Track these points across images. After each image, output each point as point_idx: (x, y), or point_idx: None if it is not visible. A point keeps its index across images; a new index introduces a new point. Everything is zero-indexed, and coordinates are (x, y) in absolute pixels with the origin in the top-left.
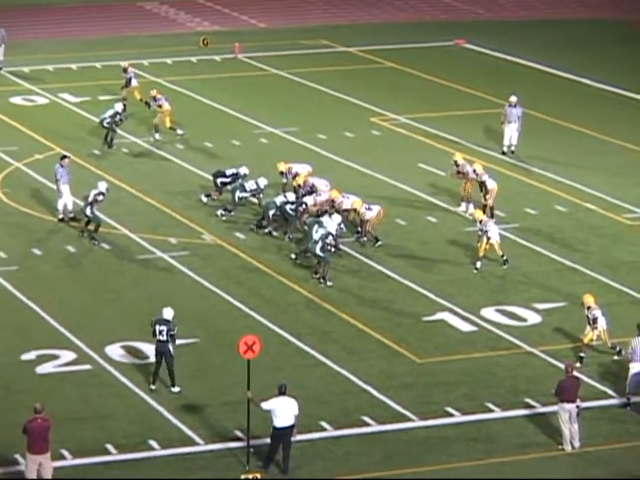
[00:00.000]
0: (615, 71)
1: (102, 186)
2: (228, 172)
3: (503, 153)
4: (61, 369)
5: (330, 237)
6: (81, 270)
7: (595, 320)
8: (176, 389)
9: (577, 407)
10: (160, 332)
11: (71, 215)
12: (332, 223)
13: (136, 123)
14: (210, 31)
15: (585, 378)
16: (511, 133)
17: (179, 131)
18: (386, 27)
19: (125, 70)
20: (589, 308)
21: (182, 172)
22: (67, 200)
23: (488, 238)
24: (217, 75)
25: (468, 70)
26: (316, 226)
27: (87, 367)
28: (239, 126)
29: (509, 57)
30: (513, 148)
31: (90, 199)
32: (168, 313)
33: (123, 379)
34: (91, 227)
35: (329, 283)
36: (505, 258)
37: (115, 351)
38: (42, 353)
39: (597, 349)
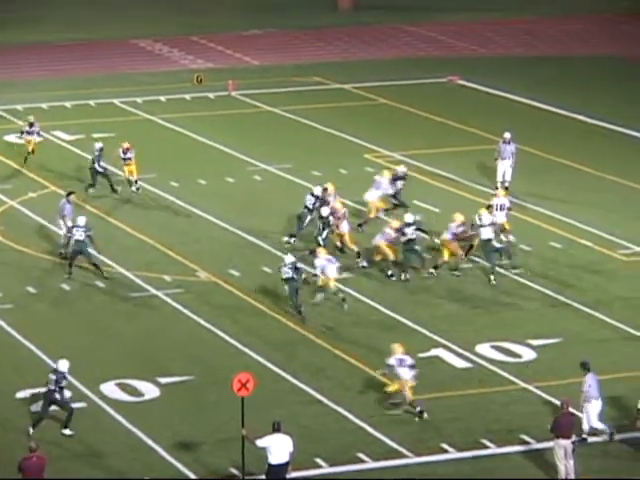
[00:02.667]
0: (611, 107)
1: (81, 220)
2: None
3: (496, 189)
4: (56, 407)
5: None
6: (76, 308)
7: None
8: (67, 431)
9: (573, 443)
10: (52, 381)
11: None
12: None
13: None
14: (204, 68)
15: (581, 415)
16: (504, 169)
17: (133, 188)
18: (379, 64)
19: (32, 124)
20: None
21: (176, 209)
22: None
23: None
24: (211, 112)
25: (462, 106)
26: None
27: (82, 405)
28: (233, 163)
29: (503, 93)
30: (507, 184)
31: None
32: (63, 365)
33: (118, 417)
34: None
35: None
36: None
37: (110, 389)
38: (37, 391)
39: None
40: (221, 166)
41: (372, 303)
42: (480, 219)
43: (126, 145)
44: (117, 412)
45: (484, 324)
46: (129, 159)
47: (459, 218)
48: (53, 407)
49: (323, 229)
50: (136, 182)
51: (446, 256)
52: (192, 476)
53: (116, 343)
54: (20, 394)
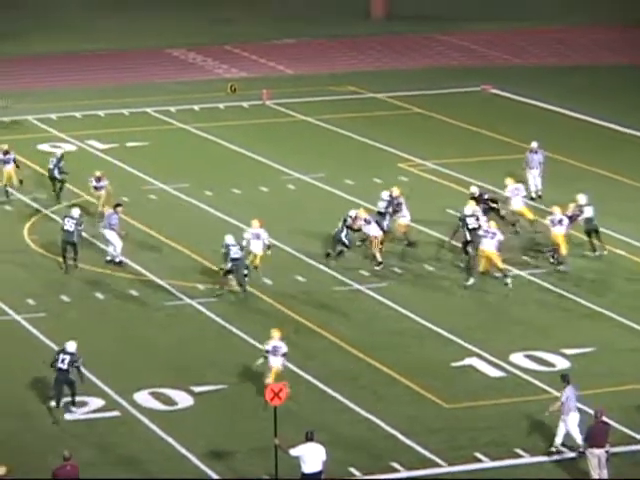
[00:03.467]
0: None
1: (75, 212)
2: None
3: (531, 198)
4: (90, 416)
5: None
6: (109, 316)
7: None
8: (68, 416)
9: (606, 452)
10: (62, 361)
11: (117, 259)
12: None
13: (166, 170)
14: (238, 78)
15: (614, 424)
16: (533, 179)
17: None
18: (412, 73)
19: (6, 152)
20: None
21: (209, 218)
22: (117, 244)
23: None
24: (245, 121)
25: (495, 115)
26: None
27: (115, 414)
28: (266, 172)
29: (536, 102)
30: (539, 193)
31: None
32: (71, 346)
33: (152, 425)
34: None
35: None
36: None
37: (144, 398)
38: (71, 400)
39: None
40: (255, 175)
41: (406, 312)
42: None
43: (98, 173)
44: (151, 421)
45: (518, 333)
46: (101, 188)
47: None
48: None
49: (342, 230)
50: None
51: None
52: None
53: (150, 352)
54: (53, 402)
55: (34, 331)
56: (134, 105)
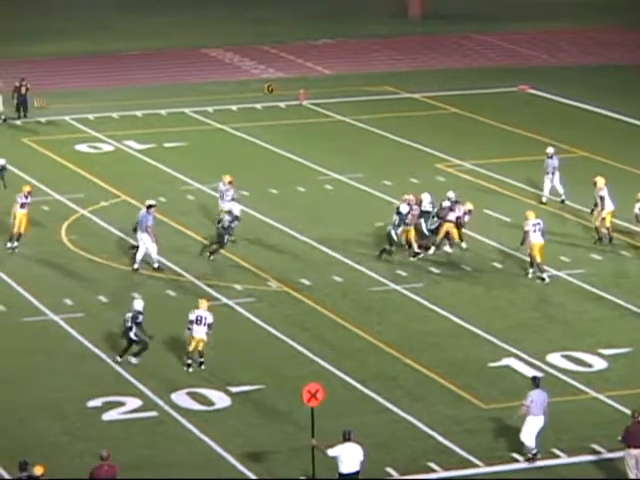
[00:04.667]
0: None
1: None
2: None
3: (542, 203)
4: (127, 416)
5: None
6: (147, 317)
7: None
8: (119, 359)
9: None
10: (127, 319)
11: (155, 265)
12: None
13: (204, 170)
14: (275, 78)
15: None
16: (550, 184)
17: (9, 244)
18: (450, 73)
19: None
20: None
21: (247, 218)
22: (151, 248)
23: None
24: (282, 122)
25: (532, 115)
26: None
27: (153, 414)
28: (304, 173)
29: (574, 102)
30: (563, 197)
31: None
32: (139, 304)
33: (189, 425)
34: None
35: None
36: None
37: (181, 397)
38: (108, 400)
39: None
40: (292, 175)
41: (443, 312)
42: None
43: (28, 188)
44: (188, 421)
45: (555, 333)
46: (27, 205)
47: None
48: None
49: (399, 225)
50: (18, 238)
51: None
52: None
53: (185, 351)
54: (91, 403)
55: (71, 331)
56: (171, 105)
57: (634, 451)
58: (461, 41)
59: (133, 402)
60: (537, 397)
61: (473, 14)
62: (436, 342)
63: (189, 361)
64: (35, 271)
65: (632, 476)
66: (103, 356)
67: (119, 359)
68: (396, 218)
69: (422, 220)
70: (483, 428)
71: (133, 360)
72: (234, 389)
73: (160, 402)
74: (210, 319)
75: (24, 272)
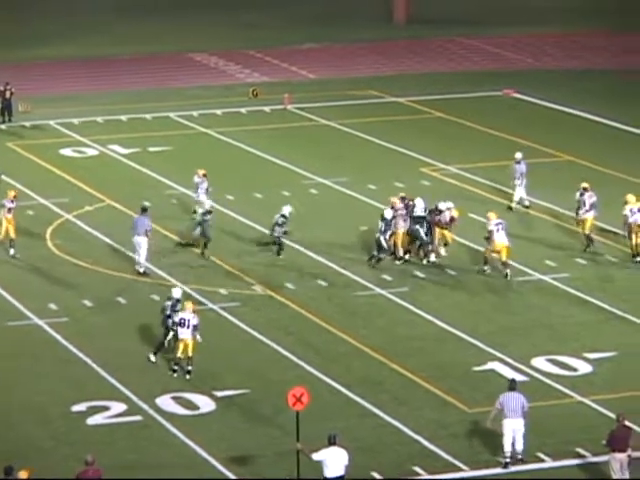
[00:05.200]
0: None
1: (286, 210)
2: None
3: (509, 208)
4: (112, 420)
5: None
6: (131, 322)
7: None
8: (152, 358)
9: (628, 457)
10: (166, 307)
11: (141, 270)
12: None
13: (188, 175)
14: (260, 82)
15: (637, 428)
16: (520, 190)
17: (12, 251)
18: (434, 77)
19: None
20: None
21: (232, 223)
22: (143, 251)
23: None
24: (267, 126)
25: (517, 120)
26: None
27: (138, 418)
28: (289, 177)
29: (558, 107)
30: (527, 203)
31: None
32: (177, 292)
33: (174, 430)
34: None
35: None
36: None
37: (165, 402)
38: (93, 404)
39: None
40: (277, 180)
41: (428, 316)
42: None
43: (14, 193)
44: (173, 425)
45: (540, 337)
46: (13, 209)
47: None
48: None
49: (385, 231)
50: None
51: None
52: None
53: (172, 356)
54: (76, 407)
55: (56, 335)
56: (156, 110)
57: (619, 455)
58: (446, 45)
59: (118, 406)
60: (509, 400)
61: (458, 18)
62: (421, 346)
63: (175, 366)
64: (20, 275)
65: None
66: (88, 360)
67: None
68: (381, 224)
69: (418, 226)
70: (468, 432)
71: (151, 357)
72: (219, 393)
73: (145, 406)
74: (195, 321)
75: (8, 276)
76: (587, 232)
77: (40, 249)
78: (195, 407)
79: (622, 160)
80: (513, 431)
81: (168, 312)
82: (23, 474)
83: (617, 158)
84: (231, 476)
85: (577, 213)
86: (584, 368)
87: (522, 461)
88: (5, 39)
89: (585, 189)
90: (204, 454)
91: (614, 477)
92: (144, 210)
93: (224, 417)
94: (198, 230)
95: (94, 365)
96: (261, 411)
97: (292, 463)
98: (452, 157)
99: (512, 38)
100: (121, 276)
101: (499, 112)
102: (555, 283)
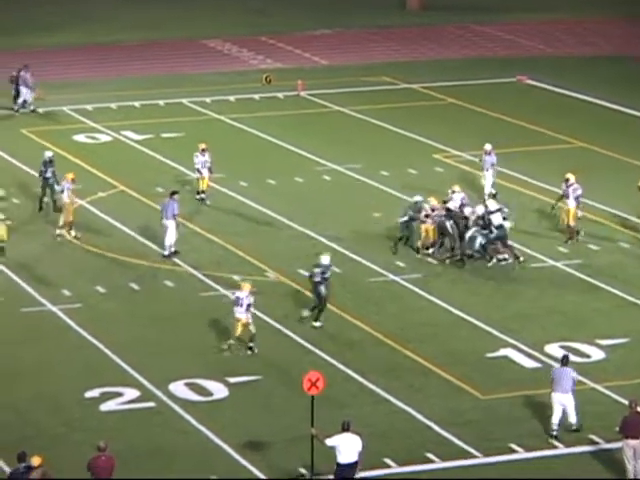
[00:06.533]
0: None
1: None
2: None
3: (483, 200)
4: (125, 406)
5: None
6: (144, 307)
7: None
8: (317, 324)
9: None
10: (316, 274)
11: (171, 250)
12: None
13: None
14: (273, 69)
15: None
16: (491, 179)
17: (73, 232)
18: (448, 63)
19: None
20: None
21: (245, 209)
22: (172, 235)
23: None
24: (280, 112)
25: (531, 106)
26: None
27: (151, 404)
28: (302, 163)
29: (571, 93)
30: (494, 192)
31: None
32: (325, 259)
33: (187, 416)
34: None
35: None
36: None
37: (179, 388)
38: (106, 390)
39: None
40: (290, 166)
41: (441, 303)
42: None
43: (72, 175)
44: (186, 412)
45: (553, 324)
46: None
47: None
48: None
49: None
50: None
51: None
52: (261, 476)
53: (185, 343)
54: (89, 393)
55: (69, 322)
56: (169, 96)
57: (632, 442)
58: (459, 32)
59: (131, 393)
60: (559, 375)
61: (471, 5)
62: (434, 333)
63: (225, 345)
64: (33, 262)
65: (630, 467)
66: (101, 347)
67: (317, 324)
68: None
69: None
70: (481, 419)
71: (316, 324)
72: (232, 380)
73: (158, 393)
74: (248, 300)
75: (22, 262)
76: (571, 223)
77: (53, 236)
78: (208, 393)
79: (634, 146)
80: (562, 405)
81: (318, 279)
82: (36, 460)
83: (629, 144)
84: (244, 462)
85: (557, 202)
86: (597, 355)
87: (577, 431)
88: (17, 27)
89: (567, 180)
90: (217, 440)
91: (628, 464)
92: (173, 194)
93: (237, 403)
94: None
95: (107, 351)
96: (274, 398)
97: (305, 450)
98: (465, 144)
99: (525, 25)
100: (134, 262)
101: (512, 99)
102: (568, 270)
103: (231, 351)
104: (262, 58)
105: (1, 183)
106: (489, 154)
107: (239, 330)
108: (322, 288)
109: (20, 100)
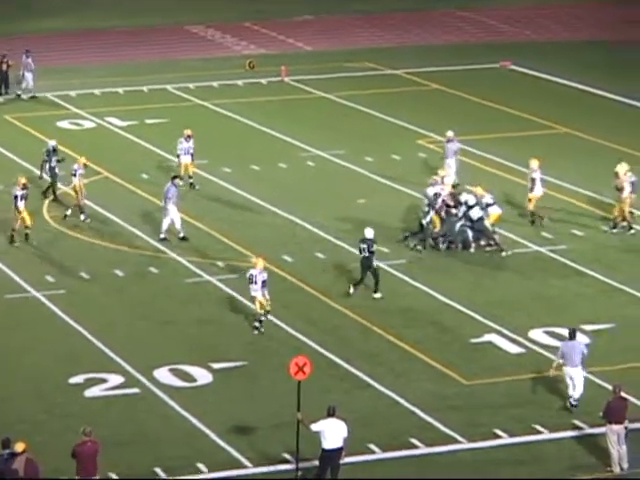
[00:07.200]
0: None
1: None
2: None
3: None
4: (109, 392)
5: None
6: (129, 294)
7: None
8: (377, 295)
9: (625, 428)
10: (363, 249)
11: (180, 235)
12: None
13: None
14: (256, 54)
15: (633, 399)
16: (449, 168)
17: (82, 217)
18: (432, 49)
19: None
20: None
21: (229, 195)
22: (176, 218)
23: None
24: (263, 98)
25: (514, 92)
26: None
27: (135, 390)
28: (285, 149)
29: (555, 78)
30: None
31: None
32: (369, 233)
33: (171, 402)
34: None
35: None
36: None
37: (163, 374)
38: (90, 377)
39: None
40: (274, 152)
41: (425, 288)
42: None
43: (83, 160)
44: (170, 398)
45: (537, 309)
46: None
47: None
48: None
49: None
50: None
51: None
52: (245, 462)
53: (169, 329)
54: (73, 380)
55: (53, 308)
56: (153, 82)
57: (616, 427)
58: (443, 18)
59: (115, 379)
60: (567, 349)
61: None
62: (418, 318)
63: (256, 323)
64: (16, 247)
65: (614, 452)
66: (85, 333)
67: (377, 295)
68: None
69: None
70: (465, 404)
71: (377, 295)
72: (216, 365)
73: (142, 379)
74: (262, 277)
75: (5, 248)
76: (532, 209)
77: (37, 221)
78: (192, 379)
79: (619, 132)
80: (571, 378)
81: (366, 254)
82: (20, 446)
83: (613, 130)
84: (228, 448)
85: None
86: (581, 340)
87: (575, 407)
88: (1, 12)
89: (530, 166)
90: (201, 426)
91: (612, 449)
92: (174, 178)
93: (221, 389)
94: None
95: (91, 337)
96: (258, 383)
97: (290, 435)
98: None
99: (509, 10)
100: (118, 248)
101: (496, 84)
102: (552, 255)
103: (263, 329)
104: (245, 44)
105: None
106: (451, 141)
107: (259, 307)
108: (372, 261)
109: (24, 85)
